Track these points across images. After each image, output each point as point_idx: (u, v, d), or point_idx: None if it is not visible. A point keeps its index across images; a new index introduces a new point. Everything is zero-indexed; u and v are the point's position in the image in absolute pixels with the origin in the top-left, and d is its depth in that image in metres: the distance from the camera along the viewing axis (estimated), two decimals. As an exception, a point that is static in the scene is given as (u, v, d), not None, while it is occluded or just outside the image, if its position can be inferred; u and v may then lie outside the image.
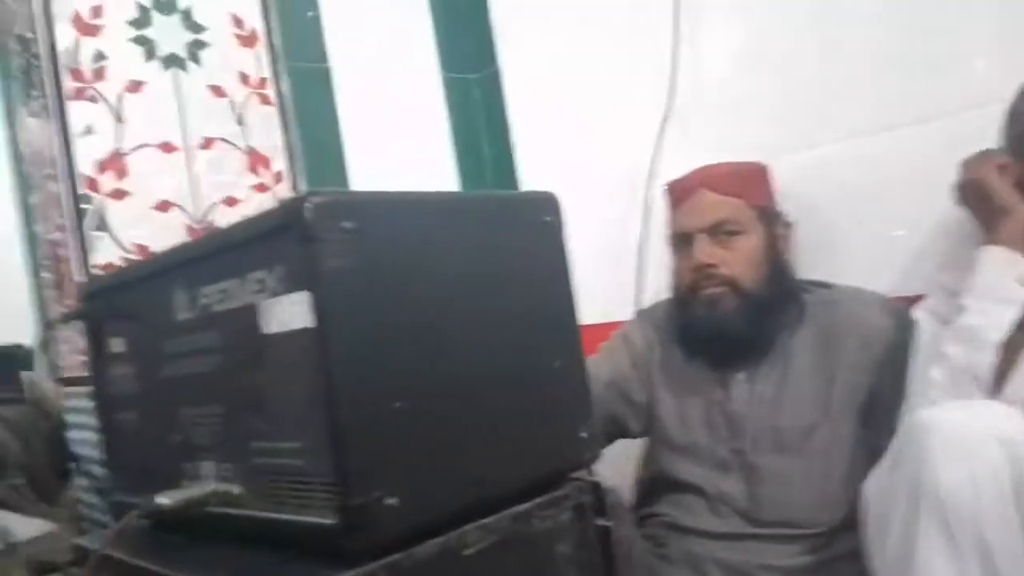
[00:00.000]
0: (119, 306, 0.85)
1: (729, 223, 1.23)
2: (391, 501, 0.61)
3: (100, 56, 1.38)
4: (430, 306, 0.66)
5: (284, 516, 0.66)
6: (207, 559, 0.69)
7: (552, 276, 0.76)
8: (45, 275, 1.41)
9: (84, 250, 1.34)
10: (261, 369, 0.67)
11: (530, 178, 1.90)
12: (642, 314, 1.43)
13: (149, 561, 0.70)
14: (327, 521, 0.61)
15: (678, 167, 1.37)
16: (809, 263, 1.35)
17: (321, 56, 1.67)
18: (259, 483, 0.69)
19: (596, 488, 0.74)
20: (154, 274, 0.79)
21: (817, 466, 1.17)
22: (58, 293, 1.37)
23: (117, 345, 0.86)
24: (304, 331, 0.61)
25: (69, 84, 1.34)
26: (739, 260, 1.22)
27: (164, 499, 0.70)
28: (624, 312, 1.56)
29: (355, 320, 0.61)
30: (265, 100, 1.54)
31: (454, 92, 1.90)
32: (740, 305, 1.21)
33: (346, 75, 1.70)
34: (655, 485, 1.31)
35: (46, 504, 1.65)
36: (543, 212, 0.77)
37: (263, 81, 1.54)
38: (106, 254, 1.37)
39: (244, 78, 1.52)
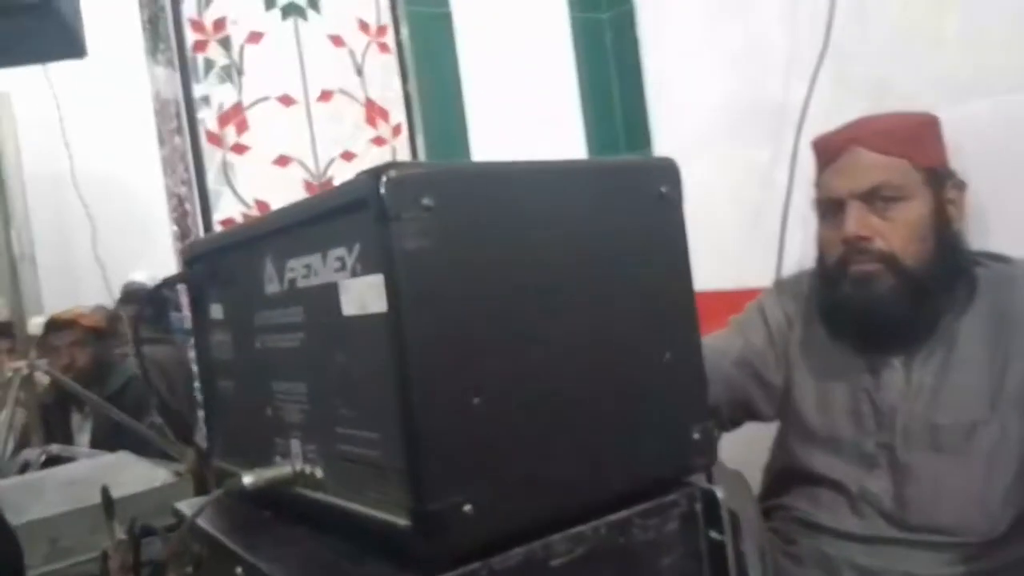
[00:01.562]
0: (217, 272, 0.85)
1: (889, 187, 1.09)
2: (469, 506, 0.56)
3: (221, 7, 1.38)
4: (521, 292, 0.60)
5: (362, 508, 0.63)
6: (282, 542, 0.68)
7: (667, 256, 0.68)
8: (174, 228, 1.46)
9: (206, 204, 1.37)
10: (343, 352, 0.64)
11: (664, 126, 1.78)
12: (782, 285, 1.32)
13: (229, 537, 0.70)
14: (401, 522, 0.58)
15: (834, 112, 1.23)
16: (985, 232, 1.19)
17: (441, 0, 1.61)
18: (341, 470, 0.67)
19: (709, 496, 0.67)
20: (247, 242, 0.77)
21: (978, 469, 1.04)
22: (183, 246, 1.42)
23: (216, 311, 0.87)
24: (379, 316, 0.57)
25: (191, 36, 1.36)
26: (899, 231, 1.08)
27: (248, 478, 0.69)
28: (762, 278, 1.44)
29: (434, 307, 0.56)
30: (384, 48, 1.51)
31: (583, 33, 1.80)
32: (897, 285, 1.08)
33: (467, 19, 1.64)
34: (786, 475, 1.21)
35: (184, 444, 1.76)
36: (659, 182, 0.68)
37: (382, 29, 1.51)
38: (228, 209, 1.40)
39: (364, 26, 1.49)
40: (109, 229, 2.80)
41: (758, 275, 1.48)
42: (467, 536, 0.56)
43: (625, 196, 0.67)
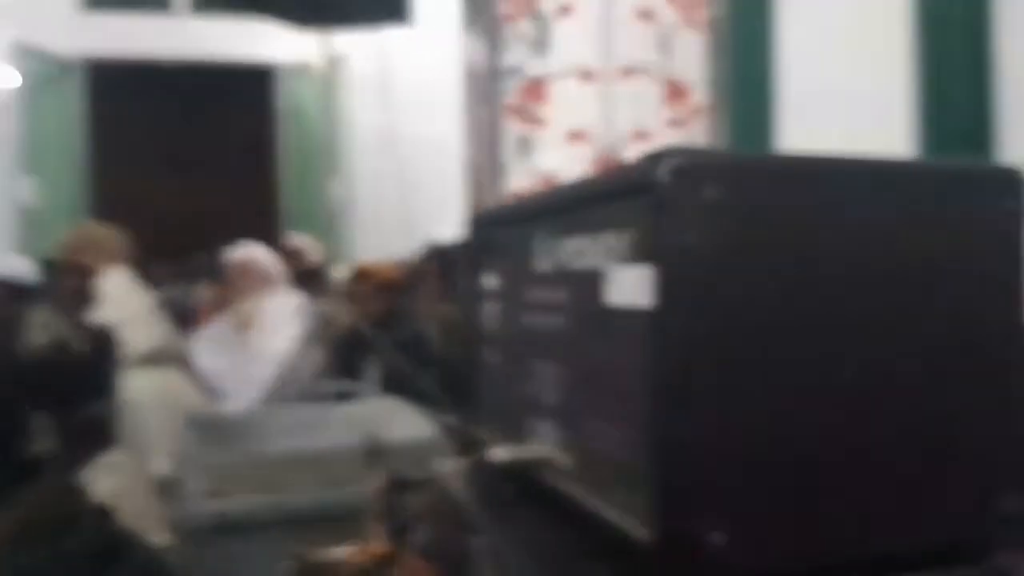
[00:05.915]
0: (495, 243, 0.86)
1: None
2: (718, 537, 0.52)
3: (537, -21, 1.41)
4: (810, 308, 0.54)
5: (605, 510, 0.61)
6: (521, 524, 0.68)
7: (999, 283, 0.58)
8: (468, 193, 1.54)
9: (499, 174, 1.42)
10: (603, 341, 0.62)
11: (1015, 127, 1.53)
12: None
13: (475, 506, 0.72)
14: (639, 535, 0.55)
15: None
16: None
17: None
18: (590, 464, 0.65)
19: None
20: (524, 217, 0.78)
21: None
22: (472, 215, 1.49)
23: (491, 280, 0.89)
24: (644, 310, 0.54)
25: (505, 7, 1.41)
26: None
27: (499, 454, 0.71)
28: None
29: (707, 309, 0.52)
30: (696, 24, 1.45)
31: (927, 18, 1.59)
32: None
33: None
34: None
35: (458, 399, 1.87)
36: (1000, 195, 0.58)
37: (697, 5, 1.45)
38: (520, 180, 1.44)
39: (677, 1, 1.45)
40: (420, 188, 3.05)
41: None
42: (712, 570, 0.52)
43: (955, 208, 0.57)
